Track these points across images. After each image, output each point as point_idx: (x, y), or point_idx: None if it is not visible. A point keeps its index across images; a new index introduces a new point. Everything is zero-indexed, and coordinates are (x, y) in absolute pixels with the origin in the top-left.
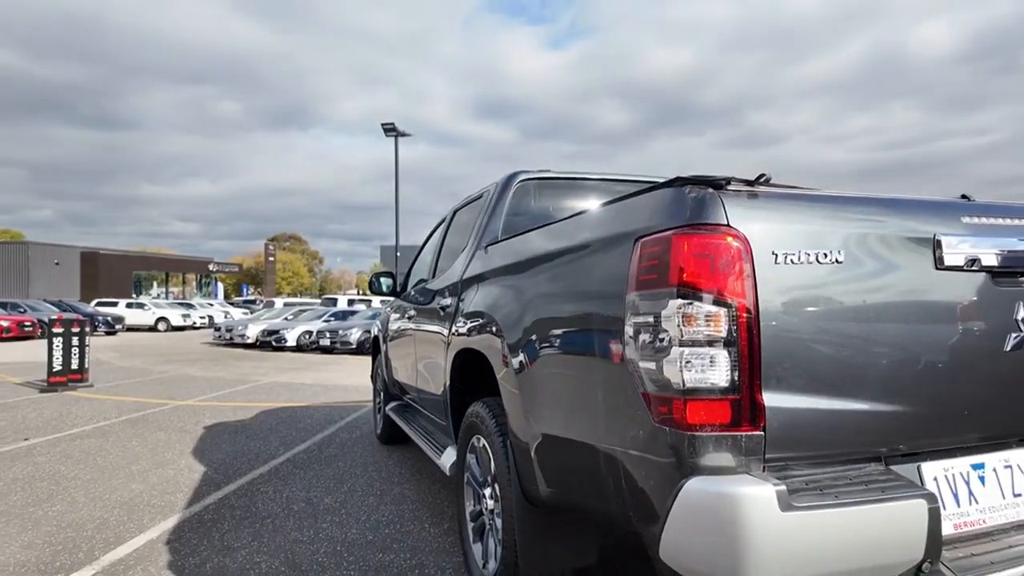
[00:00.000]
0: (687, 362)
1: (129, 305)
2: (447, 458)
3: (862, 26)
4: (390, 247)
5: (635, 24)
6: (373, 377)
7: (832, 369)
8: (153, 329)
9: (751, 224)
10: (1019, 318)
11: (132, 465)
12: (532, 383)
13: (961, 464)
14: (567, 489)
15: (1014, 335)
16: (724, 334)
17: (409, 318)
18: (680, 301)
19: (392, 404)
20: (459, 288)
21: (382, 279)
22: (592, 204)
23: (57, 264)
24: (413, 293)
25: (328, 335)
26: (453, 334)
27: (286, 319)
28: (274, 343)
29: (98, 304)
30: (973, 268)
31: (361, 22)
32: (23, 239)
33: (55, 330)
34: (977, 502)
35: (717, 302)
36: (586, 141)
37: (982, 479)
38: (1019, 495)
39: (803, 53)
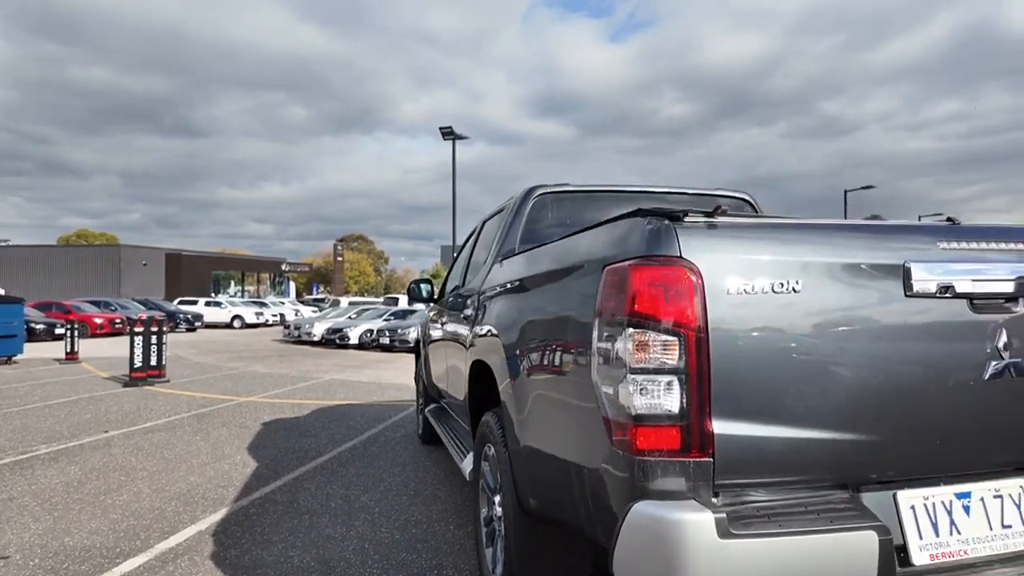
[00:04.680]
0: (640, 388)
1: (208, 303)
2: (467, 464)
3: (947, 2)
4: (450, 246)
5: (698, 13)
6: (416, 378)
7: (790, 397)
8: (229, 326)
9: (706, 255)
10: (1000, 346)
11: (193, 459)
12: (521, 397)
13: (944, 493)
14: (546, 501)
15: (994, 363)
16: (674, 363)
17: (442, 325)
18: (632, 329)
19: (431, 406)
20: (478, 299)
21: (421, 285)
22: (607, 215)
23: (145, 265)
24: (448, 299)
25: (388, 334)
26: (471, 344)
27: (350, 318)
28: (338, 341)
29: (180, 302)
30: (946, 295)
31: (420, 23)
32: (117, 242)
33: (136, 330)
34: (959, 532)
35: (668, 331)
36: (648, 135)
37: (967, 508)
38: (1009, 526)
39: (880, 36)
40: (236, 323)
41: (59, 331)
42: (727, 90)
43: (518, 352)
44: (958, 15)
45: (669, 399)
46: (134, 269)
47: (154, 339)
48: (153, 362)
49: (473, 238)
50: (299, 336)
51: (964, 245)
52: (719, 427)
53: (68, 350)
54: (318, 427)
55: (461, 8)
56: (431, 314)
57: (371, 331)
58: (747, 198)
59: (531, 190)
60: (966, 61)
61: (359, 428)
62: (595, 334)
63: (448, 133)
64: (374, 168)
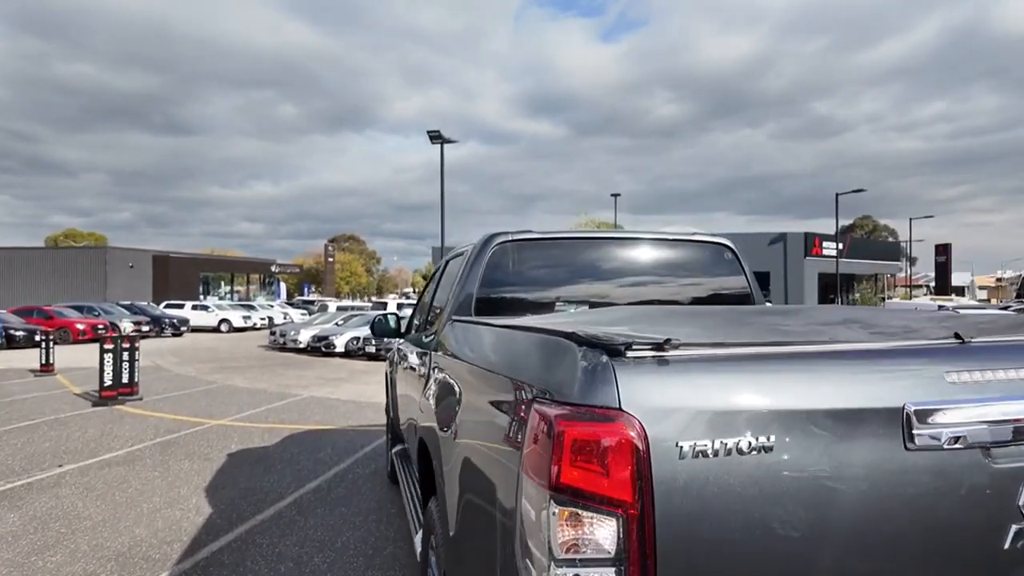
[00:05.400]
0: None
1: (194, 307)
2: (417, 542)
3: (937, 3)
4: (439, 248)
5: (688, 13)
6: (387, 409)
7: None
8: (216, 330)
9: (653, 400)
10: (1021, 503)
11: (145, 503)
12: (453, 516)
13: None
14: None
15: (1015, 526)
16: (611, 552)
17: (403, 370)
18: (557, 507)
19: (398, 447)
20: (430, 360)
21: (388, 318)
22: (573, 263)
23: (132, 267)
24: (412, 336)
25: (374, 342)
26: (420, 409)
27: (336, 324)
28: (323, 348)
29: (166, 306)
30: (956, 446)
31: (412, 21)
32: (105, 242)
33: (106, 347)
34: None
35: (602, 511)
36: (639, 135)
37: None
38: None
39: (871, 36)
40: (223, 327)
41: (39, 337)
42: (718, 91)
43: (447, 457)
44: (951, 14)
45: None
46: (121, 271)
47: (125, 356)
48: (125, 379)
49: (436, 277)
50: (284, 343)
51: (978, 376)
52: None
53: (43, 362)
54: (285, 459)
55: (453, 6)
56: (398, 348)
57: (357, 339)
58: (727, 244)
59: (491, 238)
60: (957, 61)
61: (328, 461)
62: (520, 486)
63: (436, 137)
64: (366, 167)
